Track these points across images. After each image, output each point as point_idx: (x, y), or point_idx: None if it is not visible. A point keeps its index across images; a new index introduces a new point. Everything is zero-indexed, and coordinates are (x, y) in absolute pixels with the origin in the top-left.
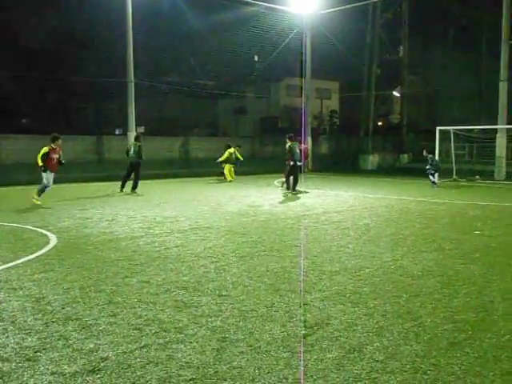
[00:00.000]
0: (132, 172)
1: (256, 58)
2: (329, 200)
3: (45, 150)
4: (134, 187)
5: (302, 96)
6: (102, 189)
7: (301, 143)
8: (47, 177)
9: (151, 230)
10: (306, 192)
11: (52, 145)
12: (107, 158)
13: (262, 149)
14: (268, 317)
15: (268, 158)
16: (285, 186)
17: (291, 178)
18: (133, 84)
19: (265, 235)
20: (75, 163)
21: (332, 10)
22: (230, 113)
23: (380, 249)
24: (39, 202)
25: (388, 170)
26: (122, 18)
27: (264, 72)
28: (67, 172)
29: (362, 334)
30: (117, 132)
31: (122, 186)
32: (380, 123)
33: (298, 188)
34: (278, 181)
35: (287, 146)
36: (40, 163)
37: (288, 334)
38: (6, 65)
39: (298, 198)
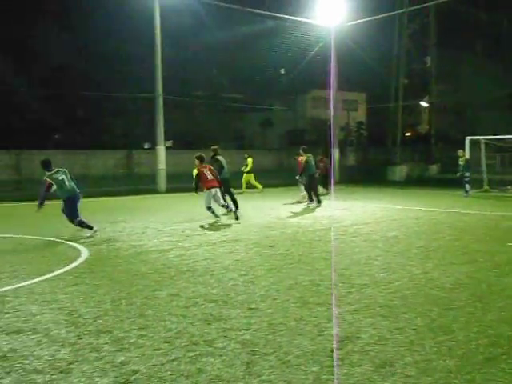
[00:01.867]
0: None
1: (282, 71)
2: (357, 212)
3: None
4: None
5: (328, 108)
6: (132, 202)
7: (298, 156)
8: None
9: (180, 243)
10: (318, 205)
11: None
12: (137, 172)
13: (289, 161)
14: (297, 330)
15: (295, 170)
16: (307, 199)
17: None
18: (161, 98)
19: (293, 248)
20: (106, 177)
21: (358, 21)
22: (257, 126)
23: (410, 261)
24: None
25: (417, 181)
26: (149, 34)
27: (290, 84)
28: (98, 186)
29: (392, 348)
30: (145, 146)
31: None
32: (408, 134)
33: (313, 201)
34: (300, 197)
35: (301, 158)
36: None
37: (317, 347)
38: (38, 82)
39: (324, 210)
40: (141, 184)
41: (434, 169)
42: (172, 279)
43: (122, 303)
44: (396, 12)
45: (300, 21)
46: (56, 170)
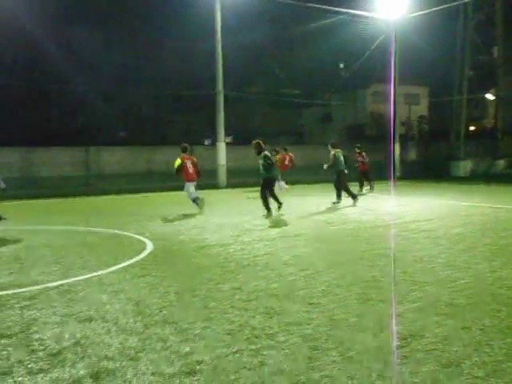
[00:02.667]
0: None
1: (342, 66)
2: (418, 208)
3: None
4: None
5: (389, 102)
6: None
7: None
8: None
9: (240, 238)
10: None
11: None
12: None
13: (350, 157)
14: (359, 326)
15: (351, 166)
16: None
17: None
18: (222, 95)
19: (353, 243)
20: (168, 173)
21: (420, 12)
22: (316, 121)
23: (476, 259)
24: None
25: (482, 177)
26: (210, 31)
27: (350, 79)
28: (163, 181)
29: (459, 347)
30: (205, 142)
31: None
32: (472, 128)
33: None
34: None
35: (331, 153)
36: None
37: (380, 344)
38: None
39: (385, 206)
40: (202, 179)
41: (500, 164)
42: (233, 273)
43: (186, 295)
44: (460, 2)
45: (360, 14)
46: None
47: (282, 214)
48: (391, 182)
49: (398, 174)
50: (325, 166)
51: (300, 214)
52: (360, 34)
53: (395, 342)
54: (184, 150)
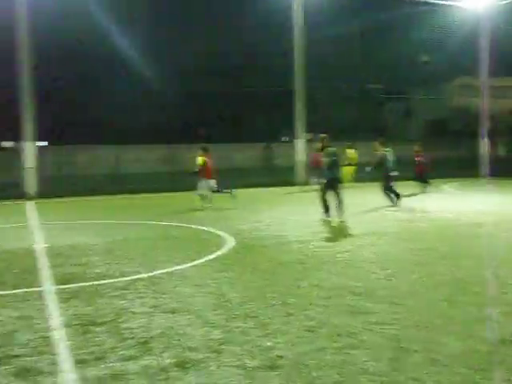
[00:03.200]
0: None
1: (425, 58)
2: (509, 206)
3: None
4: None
5: (477, 96)
6: (272, 194)
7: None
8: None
9: (320, 234)
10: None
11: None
12: (275, 165)
13: (434, 153)
14: (445, 329)
15: (439, 162)
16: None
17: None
18: (301, 92)
19: (437, 243)
20: (246, 169)
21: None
22: (397, 116)
23: None
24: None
25: None
26: (288, 27)
27: (434, 72)
28: (241, 178)
29: None
30: (282, 139)
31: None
32: None
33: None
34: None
35: (379, 153)
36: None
37: (467, 348)
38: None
39: (469, 204)
40: (279, 176)
41: None
42: (313, 270)
43: (266, 291)
44: None
45: (445, 4)
46: None
47: (362, 212)
48: (479, 180)
49: (485, 171)
50: (368, 169)
51: (381, 211)
52: (446, 24)
53: (484, 348)
54: (205, 150)
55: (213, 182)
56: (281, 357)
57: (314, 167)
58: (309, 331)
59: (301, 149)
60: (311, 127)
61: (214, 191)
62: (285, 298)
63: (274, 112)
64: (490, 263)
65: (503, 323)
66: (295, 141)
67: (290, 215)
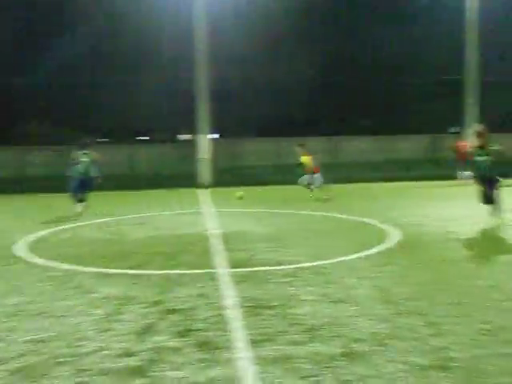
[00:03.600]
0: None
1: None
2: None
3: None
4: None
5: None
6: (438, 188)
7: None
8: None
9: (494, 233)
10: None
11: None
12: (441, 157)
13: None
14: None
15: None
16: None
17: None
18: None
19: None
20: (412, 161)
21: None
22: None
23: None
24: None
25: None
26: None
27: None
28: (405, 170)
29: None
30: (452, 130)
31: None
32: None
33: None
34: None
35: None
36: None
37: None
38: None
39: None
40: (446, 169)
41: None
42: (487, 269)
43: (431, 288)
44: None
45: None
46: None
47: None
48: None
49: None
50: None
51: None
52: None
53: None
54: (302, 146)
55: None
56: (453, 358)
57: (458, 159)
58: (484, 335)
59: (470, 140)
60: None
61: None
62: (455, 297)
63: (442, 101)
64: None
65: None
66: (464, 131)
67: (456, 211)
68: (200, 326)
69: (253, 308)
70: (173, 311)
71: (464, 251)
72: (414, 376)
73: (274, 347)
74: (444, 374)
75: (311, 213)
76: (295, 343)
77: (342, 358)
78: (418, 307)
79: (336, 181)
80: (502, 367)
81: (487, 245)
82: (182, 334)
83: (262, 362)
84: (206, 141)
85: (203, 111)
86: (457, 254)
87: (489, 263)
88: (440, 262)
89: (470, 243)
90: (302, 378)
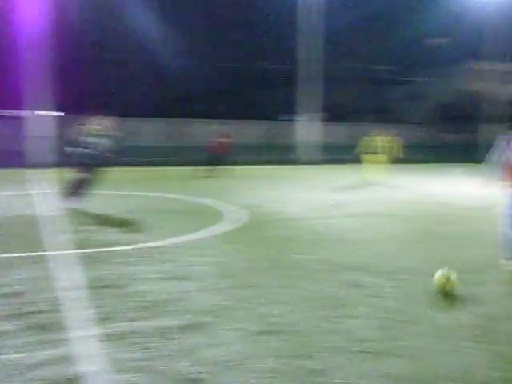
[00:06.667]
0: None
1: (436, 42)
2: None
3: None
4: None
5: (487, 80)
6: (274, 170)
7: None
8: None
9: (327, 213)
10: None
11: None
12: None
13: (441, 136)
14: (438, 304)
15: (447, 146)
16: None
17: None
18: (305, 69)
19: (441, 224)
20: (250, 146)
21: None
22: (405, 99)
23: None
24: None
25: None
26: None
27: (444, 55)
28: (244, 154)
29: None
30: (287, 118)
31: None
32: None
33: None
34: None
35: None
36: None
37: (454, 322)
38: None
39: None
40: (283, 155)
41: None
42: (315, 245)
43: (266, 263)
44: None
45: None
46: None
47: (369, 191)
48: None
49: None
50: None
51: (387, 192)
52: (456, 8)
53: (472, 321)
54: None
55: None
56: (280, 323)
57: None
58: (307, 301)
59: (313, 128)
60: (322, 107)
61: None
62: (284, 270)
63: (281, 89)
64: (488, 243)
65: (496, 301)
66: (302, 119)
67: (298, 193)
68: (34, 308)
69: (91, 288)
70: (4, 295)
71: (294, 230)
72: (247, 341)
73: (114, 324)
74: (272, 337)
75: (156, 194)
76: (136, 319)
77: (184, 330)
78: (250, 280)
79: (183, 164)
80: (321, 327)
81: (315, 223)
82: (16, 317)
83: (102, 339)
84: (39, 118)
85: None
86: (290, 232)
87: (319, 239)
88: (274, 240)
89: (300, 223)
90: (142, 350)
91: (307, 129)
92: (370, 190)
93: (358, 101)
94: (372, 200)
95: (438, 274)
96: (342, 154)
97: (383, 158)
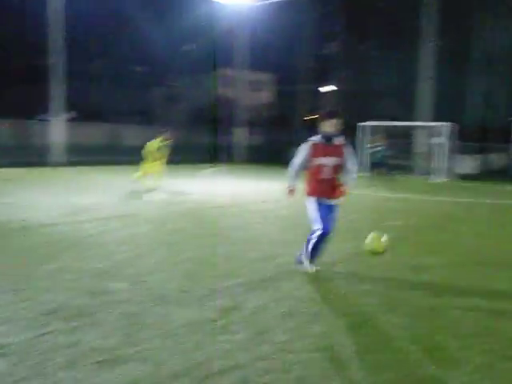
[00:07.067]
0: None
1: (189, 47)
2: (252, 190)
3: None
4: None
5: (236, 87)
6: (25, 175)
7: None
8: None
9: (72, 217)
10: None
11: None
12: (30, 144)
13: (194, 139)
14: (182, 302)
15: (198, 147)
16: None
17: None
18: (60, 67)
19: (188, 224)
20: None
21: (269, 1)
22: (163, 101)
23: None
24: None
25: None
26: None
27: (199, 61)
28: None
29: (270, 317)
30: (40, 117)
31: None
32: (307, 118)
33: None
34: None
35: None
36: None
37: (201, 318)
38: None
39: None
40: (33, 157)
41: None
42: (60, 253)
43: (6, 277)
44: None
45: None
46: None
47: (118, 194)
48: (234, 165)
49: (239, 157)
50: None
51: (135, 195)
52: (212, 17)
53: (217, 315)
54: None
55: None
56: (10, 344)
57: None
58: (45, 315)
59: (60, 128)
60: (72, 107)
61: None
62: (23, 283)
63: (30, 87)
64: (234, 241)
65: (235, 293)
66: (53, 119)
67: (43, 197)
68: None
69: None
70: None
71: (39, 238)
72: None
73: None
74: (1, 359)
75: None
76: None
77: None
78: None
79: None
80: (56, 342)
81: (65, 229)
82: None
83: None
84: None
85: None
86: (32, 241)
87: (64, 246)
88: (13, 250)
89: (48, 230)
90: None
91: (58, 129)
92: (115, 192)
93: (116, 101)
94: (123, 202)
95: (370, 237)
96: (94, 155)
97: (157, 160)
